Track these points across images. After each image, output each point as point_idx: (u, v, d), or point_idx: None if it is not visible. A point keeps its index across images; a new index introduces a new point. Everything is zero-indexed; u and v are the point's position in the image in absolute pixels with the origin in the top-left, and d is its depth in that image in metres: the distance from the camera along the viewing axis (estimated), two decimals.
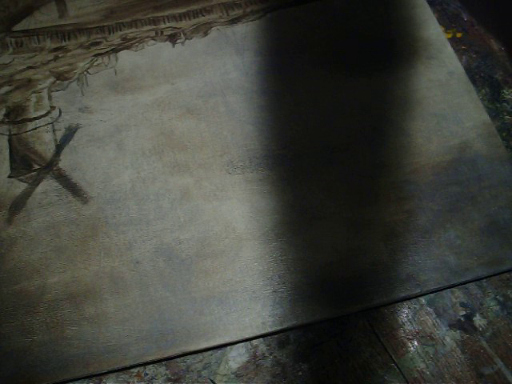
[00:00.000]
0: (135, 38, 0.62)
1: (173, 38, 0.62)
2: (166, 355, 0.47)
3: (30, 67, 0.60)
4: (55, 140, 0.56)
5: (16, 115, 0.58)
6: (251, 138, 0.56)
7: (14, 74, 0.60)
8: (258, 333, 0.47)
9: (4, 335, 0.47)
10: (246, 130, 0.56)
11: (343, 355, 0.47)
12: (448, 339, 0.48)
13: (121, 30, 0.62)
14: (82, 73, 0.60)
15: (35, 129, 0.57)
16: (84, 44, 0.61)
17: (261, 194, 0.53)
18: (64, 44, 0.61)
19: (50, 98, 0.58)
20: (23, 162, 0.55)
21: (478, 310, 0.49)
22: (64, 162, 0.55)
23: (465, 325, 0.48)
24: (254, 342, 0.48)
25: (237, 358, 0.47)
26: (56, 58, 0.61)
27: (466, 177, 0.54)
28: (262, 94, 0.58)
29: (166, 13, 0.63)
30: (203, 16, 0.63)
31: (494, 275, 0.50)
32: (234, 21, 0.63)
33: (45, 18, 0.62)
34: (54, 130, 0.56)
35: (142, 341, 0.47)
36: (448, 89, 0.58)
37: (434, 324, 0.48)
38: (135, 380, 0.46)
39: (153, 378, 0.46)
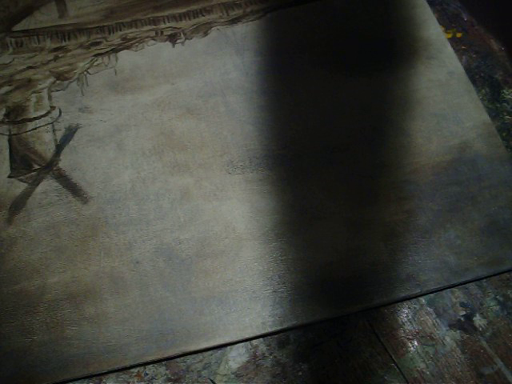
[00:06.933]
0: (135, 38, 0.62)
1: (173, 38, 0.62)
2: (166, 355, 0.47)
3: (30, 67, 0.60)
4: (55, 140, 0.56)
5: (16, 115, 0.58)
6: (251, 138, 0.56)
7: (14, 74, 0.60)
8: (258, 333, 0.47)
9: (4, 335, 0.47)
10: (246, 130, 0.56)
11: (343, 355, 0.47)
12: (448, 339, 0.48)
13: (121, 30, 0.62)
14: (82, 73, 0.60)
15: (35, 129, 0.57)
16: (84, 44, 0.61)
17: (261, 193, 0.53)
18: (64, 44, 0.61)
19: (50, 97, 0.58)
20: (23, 161, 0.55)
21: (478, 309, 0.49)
22: (64, 162, 0.55)
23: (465, 325, 0.48)
24: (254, 341, 0.48)
25: (237, 358, 0.47)
26: (56, 58, 0.61)
27: (466, 177, 0.54)
28: (262, 94, 0.58)
29: (166, 13, 0.63)
30: (203, 16, 0.63)
31: (494, 275, 0.50)
32: (234, 21, 0.63)
33: (45, 17, 0.62)
34: (54, 130, 0.56)
35: (142, 341, 0.47)
36: (448, 89, 0.58)
37: (434, 324, 0.48)
38: (135, 380, 0.46)
39: (153, 378, 0.46)
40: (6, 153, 0.56)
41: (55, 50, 0.61)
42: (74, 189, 0.54)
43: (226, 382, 0.46)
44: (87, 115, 0.57)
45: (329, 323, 0.48)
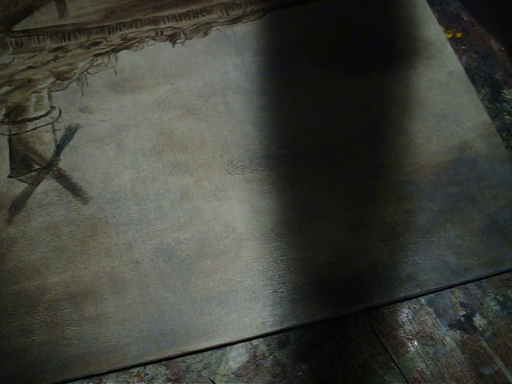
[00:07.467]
0: (135, 38, 0.62)
1: (173, 38, 0.62)
2: (166, 355, 0.47)
3: (30, 67, 0.60)
4: (55, 140, 0.56)
5: (16, 115, 0.58)
6: (251, 138, 0.56)
7: (14, 74, 0.60)
8: (258, 333, 0.47)
9: (4, 335, 0.47)
10: (246, 129, 0.56)
11: (343, 355, 0.47)
12: (448, 339, 0.48)
13: (121, 30, 0.62)
14: (82, 73, 0.60)
15: (35, 129, 0.57)
16: (84, 44, 0.61)
17: (261, 193, 0.53)
18: (64, 44, 0.61)
19: (50, 97, 0.58)
20: (23, 161, 0.55)
21: (478, 309, 0.49)
22: (64, 162, 0.55)
23: (465, 325, 0.48)
24: (254, 341, 0.48)
25: (237, 358, 0.47)
26: (56, 58, 0.61)
27: (466, 177, 0.54)
28: (262, 94, 0.58)
29: (166, 13, 0.63)
30: (203, 16, 0.63)
31: (494, 275, 0.50)
32: (234, 21, 0.63)
33: (45, 17, 0.62)
34: (54, 130, 0.56)
35: (142, 341, 0.47)
36: (448, 89, 0.58)
37: (434, 324, 0.48)
38: (135, 380, 0.46)
39: (153, 378, 0.46)
40: (6, 153, 0.56)
41: (55, 49, 0.61)
42: (74, 189, 0.54)
43: (226, 382, 0.46)
44: (87, 115, 0.57)
45: (329, 323, 0.48)
